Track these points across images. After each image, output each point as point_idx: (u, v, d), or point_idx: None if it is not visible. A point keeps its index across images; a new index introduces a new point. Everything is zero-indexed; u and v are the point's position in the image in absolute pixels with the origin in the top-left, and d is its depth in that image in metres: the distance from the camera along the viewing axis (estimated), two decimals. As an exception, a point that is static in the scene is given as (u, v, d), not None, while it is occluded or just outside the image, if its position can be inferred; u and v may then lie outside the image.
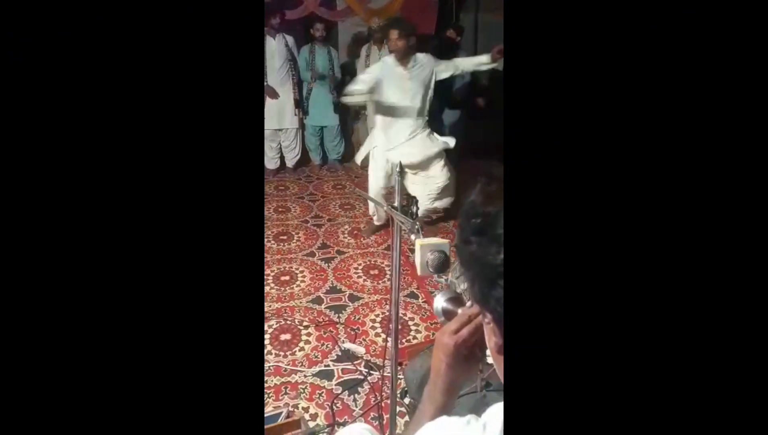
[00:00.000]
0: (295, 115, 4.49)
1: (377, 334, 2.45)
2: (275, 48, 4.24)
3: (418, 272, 1.05)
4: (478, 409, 0.68)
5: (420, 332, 2.49)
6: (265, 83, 4.28)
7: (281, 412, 1.87)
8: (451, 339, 0.68)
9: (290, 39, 4.33)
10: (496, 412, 0.55)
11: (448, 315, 0.75)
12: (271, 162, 4.66)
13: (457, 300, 0.76)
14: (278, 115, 4.42)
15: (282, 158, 4.72)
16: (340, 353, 2.29)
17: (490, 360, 0.69)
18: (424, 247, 1.03)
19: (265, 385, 2.08)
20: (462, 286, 2.40)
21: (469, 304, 0.73)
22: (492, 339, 0.58)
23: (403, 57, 3.05)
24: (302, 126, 4.63)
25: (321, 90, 4.50)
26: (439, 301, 0.76)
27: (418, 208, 1.26)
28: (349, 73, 4.69)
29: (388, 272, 3.00)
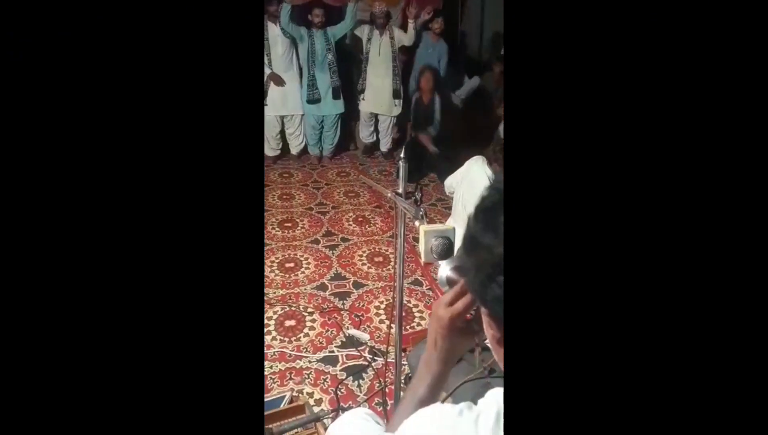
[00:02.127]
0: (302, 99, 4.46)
1: (381, 321, 2.46)
2: (278, 34, 4.20)
3: (422, 259, 1.05)
4: (476, 400, 0.68)
5: (424, 319, 2.50)
6: (270, 70, 4.24)
7: (285, 396, 1.89)
8: (446, 312, 0.69)
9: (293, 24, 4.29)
10: (490, 403, 0.55)
11: (453, 284, 0.74)
12: (272, 151, 4.63)
13: (462, 269, 0.76)
14: (283, 101, 4.38)
15: (284, 146, 4.69)
16: (344, 339, 2.31)
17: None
18: (428, 234, 1.03)
19: (270, 370, 2.10)
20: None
21: None
22: (489, 331, 0.58)
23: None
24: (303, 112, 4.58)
25: (321, 76, 4.43)
26: (444, 270, 0.75)
27: (422, 195, 1.26)
28: (351, 57, 4.66)
29: (393, 259, 3.01)
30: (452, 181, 2.81)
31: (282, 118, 4.49)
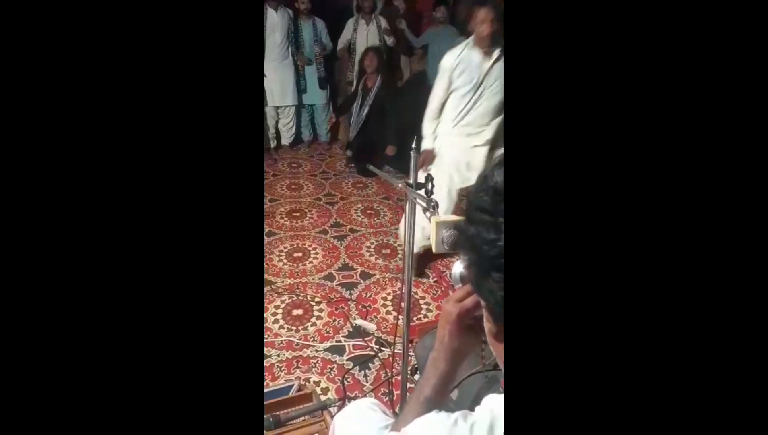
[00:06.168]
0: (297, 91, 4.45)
1: (388, 312, 2.46)
2: (277, 22, 4.10)
3: (434, 250, 1.05)
4: (482, 392, 0.67)
5: (431, 311, 2.50)
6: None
7: (293, 385, 1.90)
8: (454, 307, 0.68)
9: (292, 12, 4.21)
10: (484, 411, 0.55)
11: (466, 281, 0.73)
12: (267, 142, 4.55)
13: None
14: (280, 92, 4.34)
15: (278, 137, 4.65)
16: (351, 329, 2.32)
17: None
18: (440, 225, 1.03)
19: (278, 359, 2.11)
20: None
21: None
22: (487, 324, 0.57)
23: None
24: (301, 103, 4.56)
25: (309, 66, 4.44)
26: (458, 267, 0.75)
27: (433, 186, 1.25)
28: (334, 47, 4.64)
29: (401, 251, 3.01)
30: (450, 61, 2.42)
31: (276, 109, 4.45)
